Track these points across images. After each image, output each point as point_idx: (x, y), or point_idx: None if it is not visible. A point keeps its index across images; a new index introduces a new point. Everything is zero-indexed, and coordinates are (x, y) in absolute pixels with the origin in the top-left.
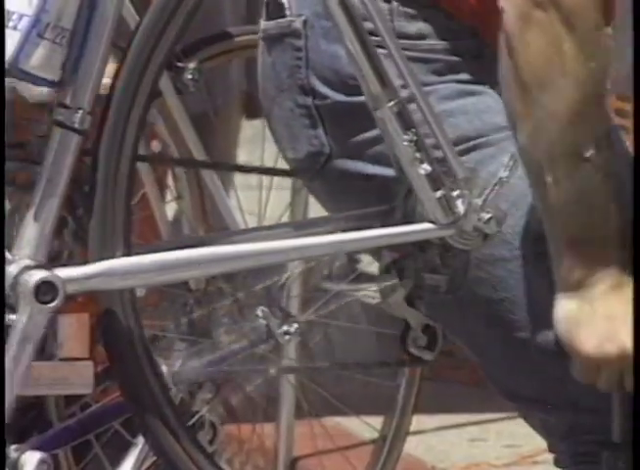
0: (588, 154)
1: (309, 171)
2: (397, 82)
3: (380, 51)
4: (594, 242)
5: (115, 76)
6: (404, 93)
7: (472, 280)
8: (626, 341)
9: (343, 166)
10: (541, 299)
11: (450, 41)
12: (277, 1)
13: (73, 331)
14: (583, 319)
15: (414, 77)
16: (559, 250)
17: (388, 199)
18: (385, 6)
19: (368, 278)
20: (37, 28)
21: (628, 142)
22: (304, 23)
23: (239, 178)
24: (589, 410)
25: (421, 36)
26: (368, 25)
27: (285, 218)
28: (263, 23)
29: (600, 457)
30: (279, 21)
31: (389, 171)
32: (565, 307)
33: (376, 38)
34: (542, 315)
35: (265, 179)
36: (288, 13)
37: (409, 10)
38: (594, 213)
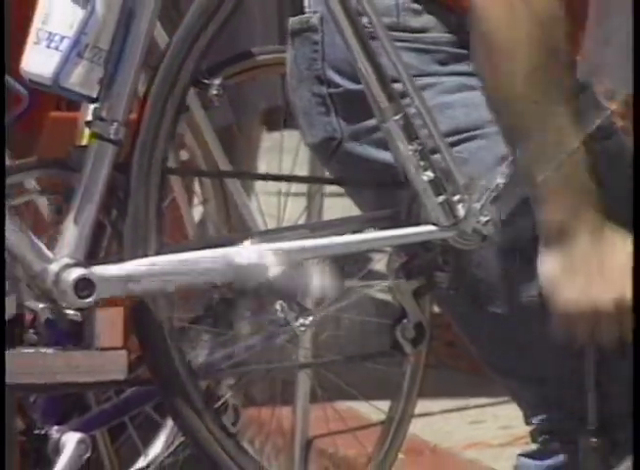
0: (552, 107)
1: (325, 154)
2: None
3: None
4: (571, 188)
5: (147, 92)
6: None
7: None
8: (601, 296)
9: (353, 150)
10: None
11: (452, 34)
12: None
13: (109, 323)
14: (564, 273)
15: (419, 94)
16: (540, 197)
17: (392, 186)
18: (392, 2)
19: (378, 275)
20: (77, 49)
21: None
22: (321, 19)
23: (259, 185)
24: (556, 384)
25: (425, 29)
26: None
27: (301, 221)
28: (290, 20)
29: (572, 435)
30: (300, 17)
31: (388, 157)
32: (548, 262)
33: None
34: (525, 284)
35: (283, 186)
36: (307, 10)
37: (414, 5)
38: (567, 159)
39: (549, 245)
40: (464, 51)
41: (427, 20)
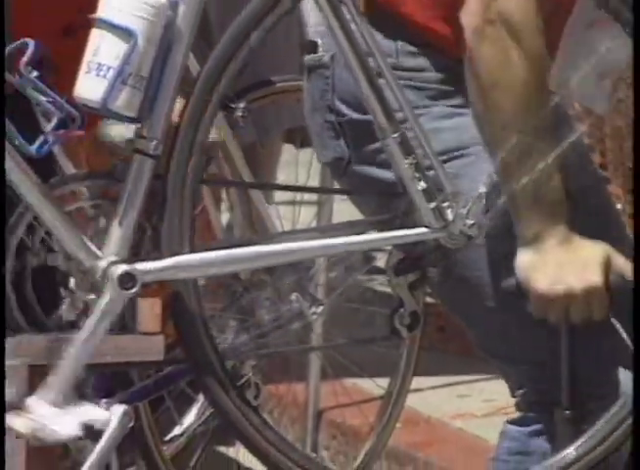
0: (534, 136)
1: (337, 172)
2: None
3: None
4: (545, 205)
5: (182, 114)
6: (406, 126)
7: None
8: (571, 282)
9: (361, 171)
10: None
11: (442, 73)
12: (312, 41)
13: (149, 311)
14: (537, 266)
15: (417, 121)
16: (519, 212)
17: (393, 200)
18: (392, 45)
19: (379, 270)
20: (122, 77)
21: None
22: (331, 57)
23: (278, 194)
24: (534, 363)
25: (419, 69)
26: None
27: (313, 225)
28: (305, 58)
29: (549, 406)
30: (314, 55)
31: (389, 174)
32: (524, 258)
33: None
34: (504, 276)
35: (298, 195)
36: (320, 49)
37: (411, 48)
38: (543, 181)
39: (524, 246)
40: (451, 88)
41: (421, 61)
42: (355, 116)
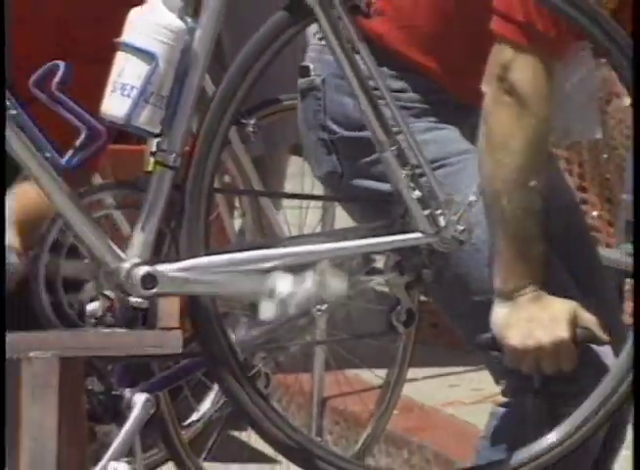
0: (531, 192)
1: (331, 185)
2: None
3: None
4: (526, 264)
5: (198, 130)
6: (401, 139)
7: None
8: (541, 338)
9: (354, 184)
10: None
11: (422, 94)
12: (305, 65)
13: (168, 308)
14: (511, 322)
15: (411, 133)
16: (501, 267)
17: (385, 208)
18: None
19: (378, 271)
20: (144, 96)
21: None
22: (323, 81)
23: (285, 201)
24: None
25: (403, 91)
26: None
27: (317, 230)
28: (298, 81)
29: (524, 393)
30: (306, 79)
31: (385, 186)
32: (499, 313)
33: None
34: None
35: (304, 203)
36: (312, 73)
37: (394, 73)
38: (529, 242)
39: (500, 300)
40: (430, 107)
41: (404, 84)
42: (346, 133)
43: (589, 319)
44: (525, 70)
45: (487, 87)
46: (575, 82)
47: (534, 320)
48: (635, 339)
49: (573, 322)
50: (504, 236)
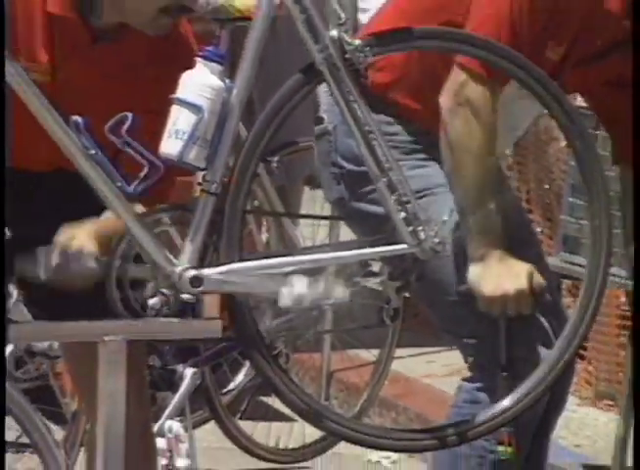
0: (489, 185)
1: (339, 208)
2: (387, 165)
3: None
4: (489, 235)
5: (234, 165)
6: (391, 173)
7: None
8: (507, 288)
9: (356, 206)
10: (458, 275)
11: (411, 136)
12: (319, 116)
13: (211, 303)
14: (483, 277)
15: (396, 163)
16: (471, 238)
17: (379, 226)
18: (375, 117)
19: (374, 274)
20: (192, 139)
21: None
22: (334, 127)
23: (301, 220)
24: (479, 339)
25: (396, 134)
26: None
27: (326, 242)
28: (315, 128)
29: (491, 369)
30: (321, 126)
31: (379, 209)
32: (474, 271)
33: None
34: (460, 282)
35: (315, 221)
36: (325, 122)
37: (390, 119)
38: (489, 218)
39: (473, 262)
40: (419, 146)
41: (396, 128)
42: (352, 168)
43: (539, 277)
44: (477, 88)
45: (444, 100)
46: (515, 109)
47: (501, 275)
48: (635, 339)
49: (530, 278)
50: (471, 213)
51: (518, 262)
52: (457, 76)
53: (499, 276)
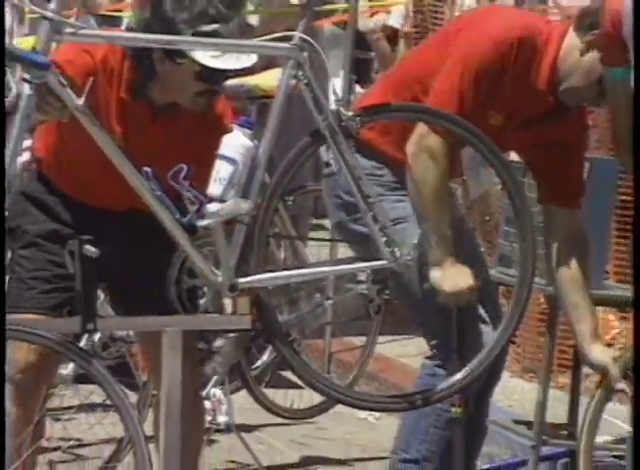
0: (442, 210)
1: (338, 230)
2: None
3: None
4: (443, 246)
5: (261, 203)
6: (374, 207)
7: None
8: (461, 285)
9: (351, 227)
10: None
11: (396, 177)
12: (327, 162)
13: (243, 302)
14: (442, 277)
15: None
16: (431, 249)
17: (367, 242)
18: (366, 163)
19: (362, 282)
20: (231, 184)
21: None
22: (338, 170)
23: (311, 242)
24: (438, 330)
25: (383, 176)
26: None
27: (327, 258)
28: (323, 171)
29: (448, 351)
30: (328, 169)
31: (366, 230)
32: (434, 274)
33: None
34: (422, 284)
35: (320, 242)
36: (332, 165)
37: (379, 164)
38: (442, 235)
39: (434, 267)
40: (399, 185)
41: (383, 171)
42: (349, 199)
43: (479, 280)
44: (434, 139)
45: (409, 147)
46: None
47: (455, 276)
48: (635, 338)
49: (474, 278)
50: (430, 231)
51: (464, 267)
52: (419, 129)
53: (453, 276)
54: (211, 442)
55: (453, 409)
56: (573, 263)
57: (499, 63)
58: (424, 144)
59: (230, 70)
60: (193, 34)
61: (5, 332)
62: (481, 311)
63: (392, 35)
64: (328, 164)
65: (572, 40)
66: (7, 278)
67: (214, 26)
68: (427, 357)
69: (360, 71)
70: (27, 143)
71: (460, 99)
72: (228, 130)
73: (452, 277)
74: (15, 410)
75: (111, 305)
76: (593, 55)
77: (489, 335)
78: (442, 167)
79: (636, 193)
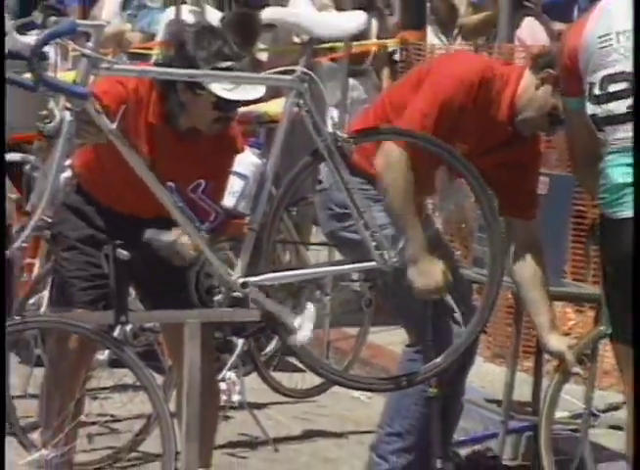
0: (413, 210)
1: (331, 238)
2: (362, 209)
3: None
4: (418, 244)
5: (268, 212)
6: (365, 215)
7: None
8: (436, 280)
9: (342, 235)
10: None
11: (375, 188)
12: (320, 179)
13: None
14: (418, 273)
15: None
16: (407, 249)
17: (357, 248)
18: (353, 179)
19: (354, 280)
20: (242, 196)
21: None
22: (330, 186)
23: (311, 247)
24: (416, 320)
25: (370, 190)
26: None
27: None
28: (316, 186)
29: (425, 340)
30: (321, 185)
31: (357, 237)
32: (411, 271)
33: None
34: (402, 283)
35: (319, 247)
36: (324, 181)
37: (365, 181)
38: (416, 234)
39: (411, 264)
40: (381, 197)
41: (368, 186)
42: (339, 210)
43: (450, 275)
44: (398, 152)
45: (379, 161)
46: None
47: (429, 272)
48: (635, 339)
49: (445, 274)
50: (403, 232)
51: (437, 265)
52: (385, 146)
53: (428, 273)
54: (226, 417)
55: (430, 389)
56: (530, 265)
57: (462, 97)
58: (389, 157)
59: (241, 101)
60: (211, 70)
61: (5, 331)
62: (454, 304)
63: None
64: (320, 182)
65: (528, 78)
66: (51, 278)
67: (229, 63)
68: (407, 345)
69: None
70: (68, 162)
71: (422, 119)
72: (240, 150)
73: (425, 274)
74: (59, 391)
75: (140, 301)
76: (546, 90)
77: (462, 327)
78: (407, 174)
79: (636, 197)
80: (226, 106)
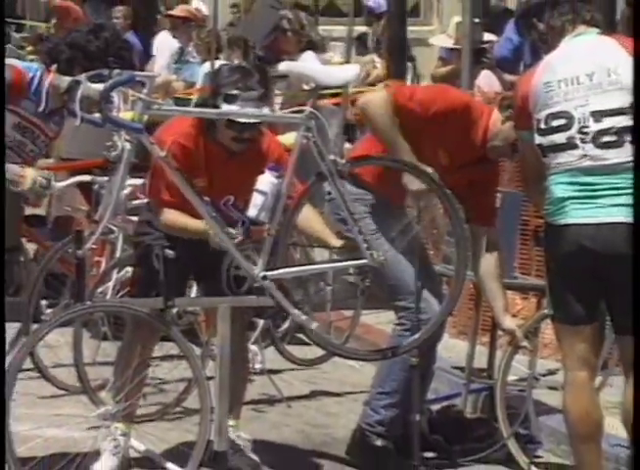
0: (397, 141)
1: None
2: (357, 217)
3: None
4: (406, 155)
5: (284, 221)
6: (360, 222)
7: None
8: (421, 186)
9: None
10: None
11: (375, 200)
12: (329, 191)
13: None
14: (409, 181)
15: (360, 215)
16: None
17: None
18: (356, 190)
19: (350, 274)
20: (263, 208)
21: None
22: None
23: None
24: (402, 303)
25: (368, 199)
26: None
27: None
28: (325, 197)
29: (410, 319)
30: (329, 196)
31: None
32: (406, 179)
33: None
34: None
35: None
36: (332, 193)
37: (365, 192)
38: (404, 146)
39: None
40: (378, 206)
41: (369, 196)
42: (344, 215)
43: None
44: (380, 98)
45: (362, 104)
46: None
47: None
48: (635, 338)
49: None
50: (393, 148)
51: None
52: (363, 97)
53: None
54: (250, 381)
55: (412, 359)
56: (490, 262)
57: (455, 110)
58: (369, 98)
59: (247, 124)
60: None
61: (4, 331)
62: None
63: None
64: (329, 193)
65: (497, 115)
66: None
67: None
68: (395, 324)
69: (350, 133)
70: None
71: (411, 95)
72: (283, 161)
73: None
74: (124, 360)
75: (197, 287)
76: (509, 125)
77: (436, 310)
78: (388, 109)
79: (636, 197)
80: (235, 126)
